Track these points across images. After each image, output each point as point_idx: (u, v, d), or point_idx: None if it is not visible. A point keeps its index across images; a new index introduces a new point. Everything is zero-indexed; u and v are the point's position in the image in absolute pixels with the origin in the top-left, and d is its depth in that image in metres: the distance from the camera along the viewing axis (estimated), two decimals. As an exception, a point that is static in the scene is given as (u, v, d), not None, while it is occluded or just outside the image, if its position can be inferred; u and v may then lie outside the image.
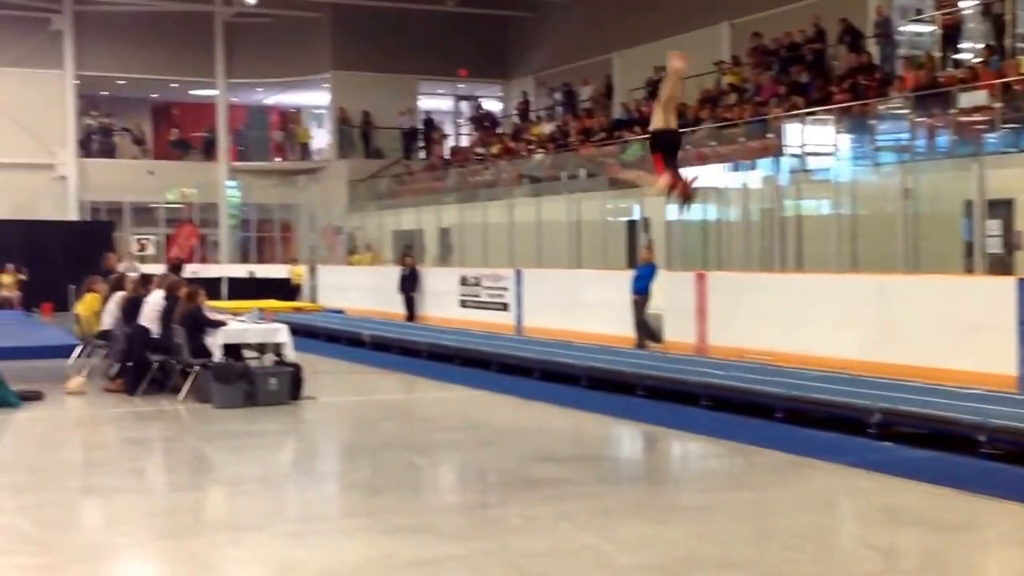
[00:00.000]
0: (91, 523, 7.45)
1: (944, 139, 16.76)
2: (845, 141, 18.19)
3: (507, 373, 14.60)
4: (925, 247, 15.42)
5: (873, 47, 20.92)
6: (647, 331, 17.69)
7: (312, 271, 32.16)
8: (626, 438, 10.89)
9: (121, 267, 20.20)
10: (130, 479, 8.71)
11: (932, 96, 16.98)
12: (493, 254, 24.14)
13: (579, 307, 20.08)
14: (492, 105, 36.84)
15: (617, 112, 26.47)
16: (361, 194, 33.42)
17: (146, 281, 13.75)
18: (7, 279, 28.40)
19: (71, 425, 11.69)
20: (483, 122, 34.12)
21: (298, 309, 26.88)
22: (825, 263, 16.42)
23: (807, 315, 15.21)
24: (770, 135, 19.11)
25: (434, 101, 37.42)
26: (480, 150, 30.96)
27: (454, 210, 26.79)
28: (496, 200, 25.50)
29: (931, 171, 16.17)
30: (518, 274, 21.97)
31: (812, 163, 18.69)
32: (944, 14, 19.52)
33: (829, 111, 18.47)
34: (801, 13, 22.89)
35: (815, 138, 18.61)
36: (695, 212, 19.75)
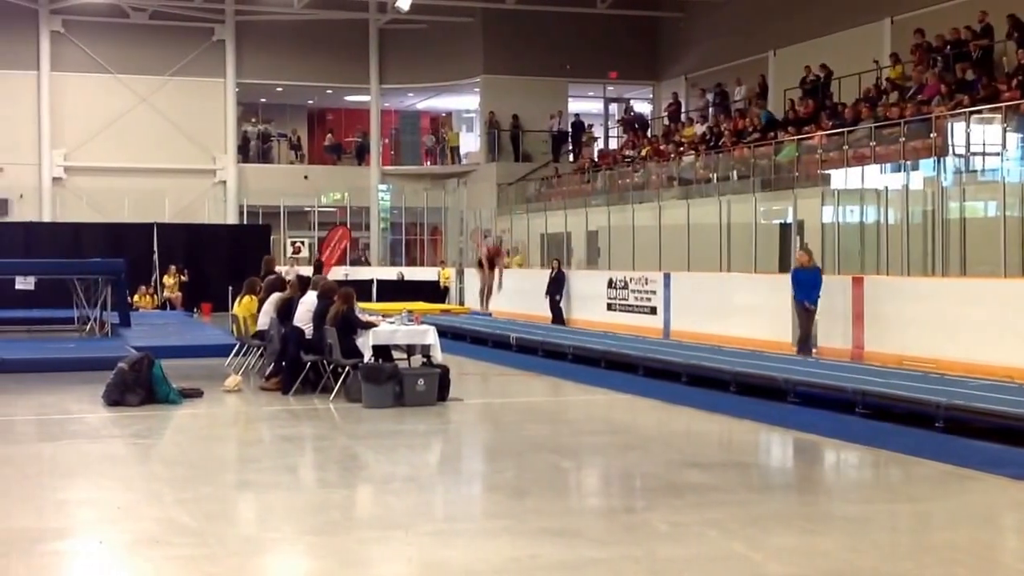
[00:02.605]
0: (245, 517, 7.63)
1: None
2: (1013, 140, 17.40)
3: (654, 377, 14.46)
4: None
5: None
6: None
7: (460, 274, 32.51)
8: (777, 445, 10.61)
9: (284, 270, 20.61)
10: (282, 475, 8.92)
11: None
12: (641, 257, 23.94)
13: (728, 311, 19.74)
14: (642, 107, 36.58)
15: (768, 112, 25.91)
16: (509, 197, 33.60)
17: (304, 284, 14.05)
18: (170, 280, 29.62)
19: (228, 422, 12.05)
20: (633, 124, 33.87)
21: (446, 311, 27.22)
22: (992, 267, 15.74)
23: (972, 322, 14.61)
24: (933, 134, 18.41)
25: (583, 104, 37.33)
26: (629, 152, 30.76)
27: (602, 213, 26.68)
28: (645, 203, 25.29)
29: (1106, 171, 15.35)
30: (666, 277, 21.73)
31: (978, 163, 17.95)
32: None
33: (996, 109, 17.70)
34: (966, 9, 22.00)
35: (981, 137, 17.85)
36: (853, 215, 19.23)
